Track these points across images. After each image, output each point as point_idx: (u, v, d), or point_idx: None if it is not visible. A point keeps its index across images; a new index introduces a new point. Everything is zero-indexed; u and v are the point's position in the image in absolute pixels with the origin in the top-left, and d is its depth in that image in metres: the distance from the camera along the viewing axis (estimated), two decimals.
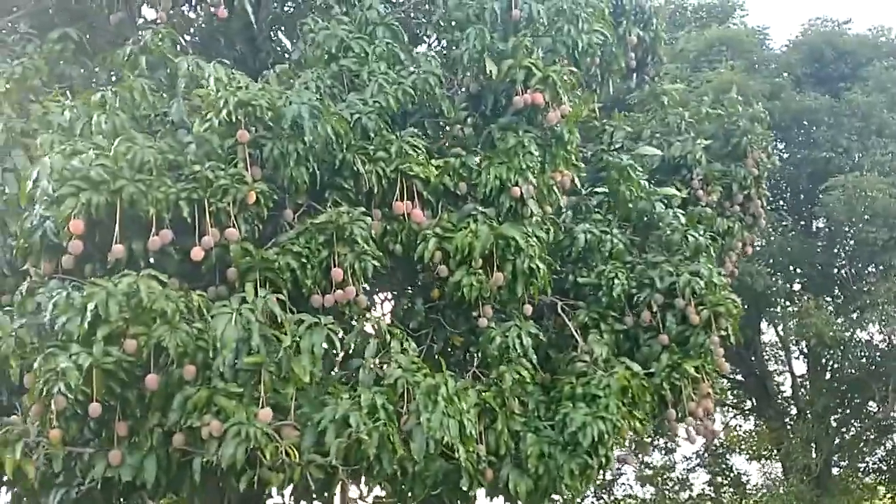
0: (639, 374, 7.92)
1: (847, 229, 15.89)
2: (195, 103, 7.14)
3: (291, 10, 9.67)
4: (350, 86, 7.79)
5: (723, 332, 8.57)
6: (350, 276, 6.78)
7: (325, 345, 6.14)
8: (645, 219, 9.05)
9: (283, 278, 6.64)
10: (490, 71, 7.79)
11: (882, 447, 18.30)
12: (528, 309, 7.88)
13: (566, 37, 8.24)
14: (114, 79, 9.00)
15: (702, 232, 8.93)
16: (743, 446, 20.96)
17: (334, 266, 6.80)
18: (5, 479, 6.37)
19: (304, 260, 6.70)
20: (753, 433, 20.30)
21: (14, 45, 9.11)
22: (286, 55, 9.94)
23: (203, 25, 9.93)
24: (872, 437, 17.70)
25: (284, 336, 5.98)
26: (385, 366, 6.48)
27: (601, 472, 8.24)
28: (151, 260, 6.56)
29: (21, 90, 8.22)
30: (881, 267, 15.26)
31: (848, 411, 18.00)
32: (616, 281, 8.36)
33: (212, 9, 8.45)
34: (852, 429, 17.97)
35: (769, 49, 20.19)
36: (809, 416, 17.52)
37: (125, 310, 5.82)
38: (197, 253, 6.39)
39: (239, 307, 5.99)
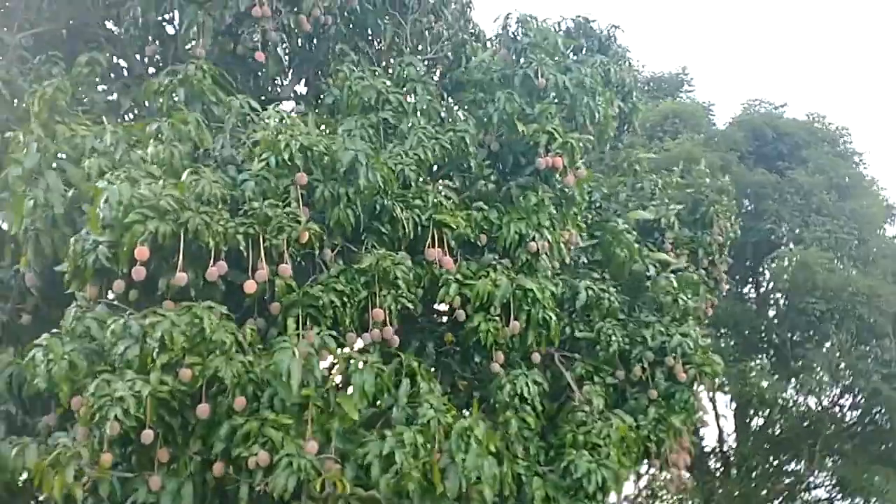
0: (633, 426, 8.37)
1: (787, 299, 16.91)
2: (239, 139, 7.38)
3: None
4: (386, 136, 8.14)
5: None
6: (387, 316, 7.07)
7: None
8: (636, 280, 9.61)
9: (325, 315, 6.86)
10: (522, 131, 8.26)
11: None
12: (537, 357, 8.27)
13: (584, 107, 8.81)
14: (138, 108, 9.16)
15: (689, 296, 9.53)
16: (669, 498, 21.68)
17: (373, 306, 7.07)
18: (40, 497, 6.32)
19: (344, 299, 6.94)
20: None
21: (40, 66, 9.13)
22: (292, 94, 10.27)
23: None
24: (798, 493, 18.64)
25: (335, 373, 6.19)
26: (418, 406, 6.72)
27: None
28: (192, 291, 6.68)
29: (48, 111, 8.26)
30: (816, 336, 16.29)
31: (773, 468, 18.91)
32: (613, 338, 8.85)
33: (251, 51, 8.71)
34: (778, 485, 18.87)
35: (713, 125, 21.52)
36: (738, 471, 18.36)
37: (187, 340, 5.94)
38: (250, 286, 6.57)
39: (298, 343, 6.17)
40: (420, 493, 6.19)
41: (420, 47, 11.04)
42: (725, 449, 19.65)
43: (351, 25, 10.40)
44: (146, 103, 9.18)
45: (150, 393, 5.83)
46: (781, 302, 17.80)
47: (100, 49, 10.08)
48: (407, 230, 7.54)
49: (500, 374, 7.92)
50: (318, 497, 5.98)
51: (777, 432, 18.36)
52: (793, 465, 19.25)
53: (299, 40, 9.47)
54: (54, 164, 7.52)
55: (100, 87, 9.62)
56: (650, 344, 9.04)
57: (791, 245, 16.79)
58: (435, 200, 7.70)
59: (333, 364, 6.36)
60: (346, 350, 6.59)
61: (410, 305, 7.26)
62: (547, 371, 9.04)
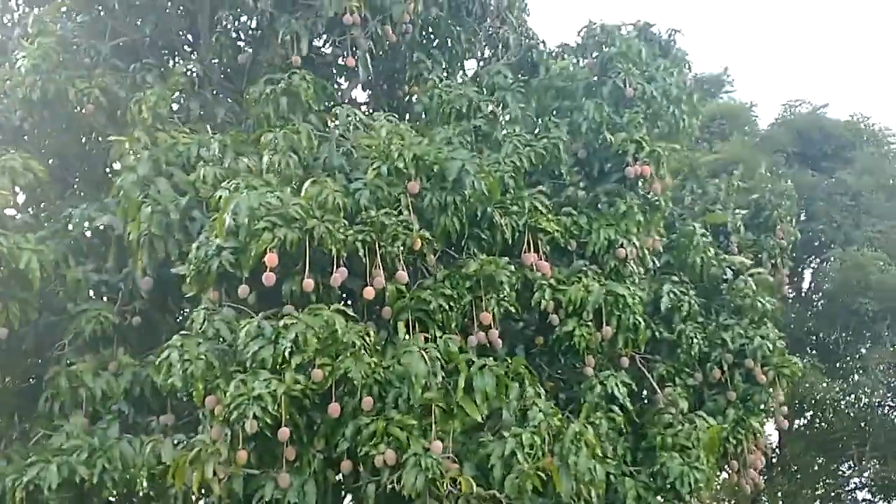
0: (719, 429, 8.63)
1: (833, 299, 17.09)
2: (346, 147, 7.68)
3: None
4: (477, 143, 8.41)
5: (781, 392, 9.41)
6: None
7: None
8: (714, 283, 9.84)
9: (434, 319, 7.14)
10: (610, 140, 8.52)
11: None
12: (625, 361, 8.53)
13: (669, 116, 9.06)
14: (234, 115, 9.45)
15: (766, 298, 9.76)
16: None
17: (477, 309, 7.36)
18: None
19: (451, 303, 7.23)
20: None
21: (135, 74, 9.45)
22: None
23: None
24: (842, 494, 18.83)
25: (459, 375, 6.47)
26: (528, 409, 6.99)
27: None
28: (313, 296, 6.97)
29: (151, 119, 8.58)
30: (869, 336, 16.48)
31: (819, 467, 19.10)
32: (694, 340, 9.10)
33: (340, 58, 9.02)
34: (822, 485, 19.08)
35: (756, 126, 21.67)
36: (783, 470, 18.55)
37: (319, 341, 6.24)
38: (369, 292, 6.87)
39: (425, 346, 6.47)
40: (536, 493, 6.47)
41: (490, 54, 11.32)
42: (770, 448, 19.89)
43: (425, 33, 10.69)
44: (235, 110, 9.56)
45: (284, 392, 6.15)
46: (821, 303, 18.00)
47: (180, 57, 10.45)
48: (506, 236, 7.81)
49: (591, 376, 8.19)
50: (442, 495, 6.27)
51: (823, 432, 18.56)
52: (838, 465, 19.49)
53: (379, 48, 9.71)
54: (162, 171, 7.88)
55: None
56: (730, 346, 9.31)
57: (840, 247, 16.96)
58: (530, 206, 7.97)
59: (456, 367, 6.63)
60: (466, 354, 6.84)
61: (512, 309, 7.53)
62: (627, 373, 9.34)
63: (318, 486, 6.55)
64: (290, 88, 8.25)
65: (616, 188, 8.79)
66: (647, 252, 8.88)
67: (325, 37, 9.80)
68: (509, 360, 7.33)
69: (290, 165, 7.24)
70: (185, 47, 10.45)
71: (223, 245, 6.81)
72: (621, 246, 8.44)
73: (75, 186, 9.79)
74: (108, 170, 9.61)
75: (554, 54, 10.88)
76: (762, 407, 9.40)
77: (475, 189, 7.31)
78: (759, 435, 9.38)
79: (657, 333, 9.33)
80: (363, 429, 6.41)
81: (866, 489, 19.28)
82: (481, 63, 11.14)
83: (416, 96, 9.12)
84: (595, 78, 9.19)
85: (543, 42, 11.26)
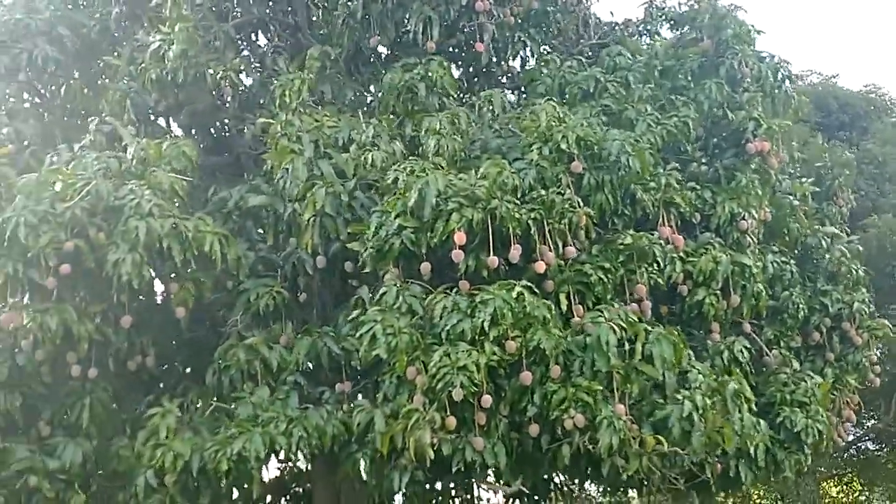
0: (829, 385, 8.98)
1: (878, 263, 17.50)
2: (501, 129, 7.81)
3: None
4: (607, 122, 8.55)
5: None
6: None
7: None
8: (808, 252, 10.13)
9: (593, 291, 7.35)
10: (731, 118, 8.72)
11: None
12: (747, 327, 8.81)
13: (782, 94, 9.26)
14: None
15: (859, 265, 10.07)
16: None
17: (629, 282, 7.58)
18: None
19: (609, 276, 7.43)
20: None
21: (265, 57, 9.45)
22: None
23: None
24: None
25: (637, 343, 6.71)
26: (688, 372, 7.26)
27: None
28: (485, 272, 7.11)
29: (297, 102, 8.61)
30: None
31: None
32: (799, 305, 9.41)
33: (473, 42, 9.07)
34: None
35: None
36: None
37: (513, 315, 6.44)
38: (540, 267, 7.04)
39: (611, 317, 6.68)
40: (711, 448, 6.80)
41: (573, 32, 11.37)
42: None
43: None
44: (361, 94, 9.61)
45: (486, 363, 6.36)
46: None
47: (300, 38, 10.37)
48: (647, 211, 8.01)
49: (718, 342, 8.48)
50: (629, 453, 6.55)
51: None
52: None
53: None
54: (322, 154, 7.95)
55: None
56: (830, 310, 9.65)
57: (870, 214, 17.34)
58: (666, 182, 8.16)
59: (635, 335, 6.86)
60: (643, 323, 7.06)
61: (661, 281, 7.76)
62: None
63: (506, 447, 6.81)
64: (428, 74, 8.34)
65: (733, 163, 9.01)
66: (761, 224, 9.14)
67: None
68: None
69: (455, 149, 7.37)
70: (296, 30, 10.42)
71: (404, 224, 6.96)
72: (743, 218, 8.69)
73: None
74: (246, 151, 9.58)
75: (632, 32, 11.01)
76: (856, 366, 9.77)
77: (630, 167, 7.49)
78: (854, 392, 9.79)
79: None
80: (552, 395, 6.65)
81: None
82: (567, 43, 11.19)
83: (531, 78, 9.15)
84: (703, 59, 9.33)
85: (625, 24, 11.35)
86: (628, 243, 7.48)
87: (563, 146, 7.25)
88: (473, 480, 7.14)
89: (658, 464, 6.76)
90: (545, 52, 10.09)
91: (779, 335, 9.47)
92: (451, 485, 7.76)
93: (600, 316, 6.74)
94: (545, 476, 7.25)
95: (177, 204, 7.47)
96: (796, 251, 10.15)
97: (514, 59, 10.37)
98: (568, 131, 7.27)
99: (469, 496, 8.25)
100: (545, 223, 7.09)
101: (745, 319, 8.81)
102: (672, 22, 10.99)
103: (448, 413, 6.42)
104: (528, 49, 10.04)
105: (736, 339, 8.56)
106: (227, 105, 9.32)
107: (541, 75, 9.04)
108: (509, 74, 10.07)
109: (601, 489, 15.10)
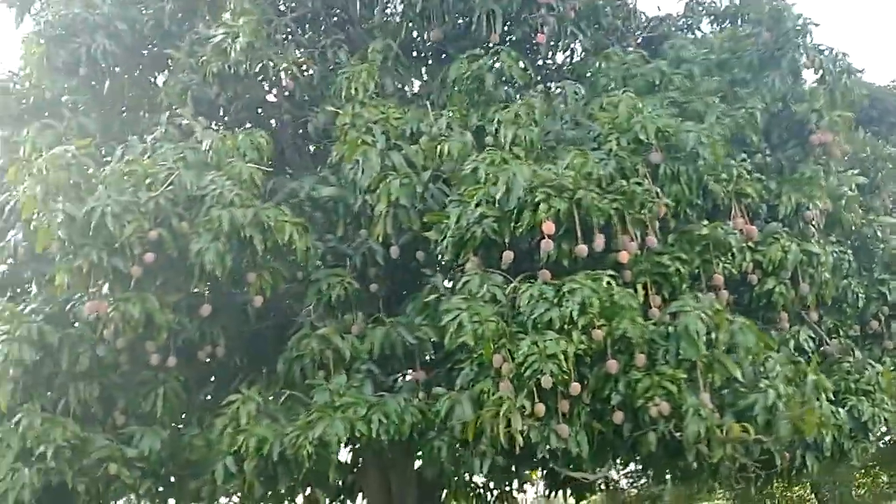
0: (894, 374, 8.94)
1: None
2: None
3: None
4: (675, 114, 8.50)
5: None
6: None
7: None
8: (864, 241, 10.07)
9: (669, 281, 7.33)
10: (794, 110, 8.68)
11: None
12: (814, 316, 8.77)
13: (842, 86, 9.21)
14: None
15: None
16: None
17: (703, 272, 7.55)
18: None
19: (685, 266, 7.41)
20: None
21: (326, 51, 9.43)
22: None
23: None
24: None
25: (721, 332, 6.69)
26: (766, 361, 7.24)
27: None
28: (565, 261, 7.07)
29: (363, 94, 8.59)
30: None
31: None
32: (859, 294, 9.38)
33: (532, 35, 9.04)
34: None
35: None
36: None
37: (600, 304, 6.43)
38: (623, 256, 7.02)
39: (698, 306, 6.66)
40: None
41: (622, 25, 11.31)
42: None
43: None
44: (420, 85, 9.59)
45: (574, 351, 6.34)
46: None
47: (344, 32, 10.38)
48: (718, 202, 7.98)
49: (786, 331, 8.45)
50: (714, 441, 6.53)
51: None
52: None
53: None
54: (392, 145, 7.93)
55: None
56: (888, 299, 9.61)
57: None
58: (736, 174, 8.13)
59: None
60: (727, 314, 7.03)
61: (735, 271, 7.73)
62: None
63: (588, 435, 6.80)
64: (495, 65, 8.31)
65: (796, 154, 8.98)
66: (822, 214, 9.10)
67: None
68: None
69: (533, 139, 7.34)
70: (348, 24, 10.39)
71: (486, 213, 6.94)
72: (807, 209, 8.65)
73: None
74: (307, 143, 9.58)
75: (681, 25, 10.97)
76: None
77: (705, 159, 7.45)
78: None
79: None
80: (636, 383, 6.63)
81: None
82: (610, 37, 11.14)
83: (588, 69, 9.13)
84: (762, 51, 9.27)
85: (665, 16, 11.31)
86: (705, 234, 7.45)
87: (642, 137, 7.22)
88: (553, 467, 7.10)
89: (741, 452, 6.74)
90: (599, 46, 10.05)
91: (838, 324, 9.43)
92: (527, 471, 7.74)
93: (686, 305, 6.71)
94: (623, 464, 7.22)
95: (254, 194, 7.45)
96: (852, 241, 10.13)
97: (565, 52, 10.37)
98: (647, 122, 7.23)
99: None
100: (626, 213, 7.06)
101: (810, 309, 8.79)
102: (713, 17, 11.01)
103: (536, 400, 6.41)
104: (578, 42, 10.03)
105: (801, 328, 8.56)
106: (290, 98, 9.33)
107: (599, 68, 9.00)
108: (570, 66, 10.00)
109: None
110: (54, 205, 6.91)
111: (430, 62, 9.80)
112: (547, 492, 9.90)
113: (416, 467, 9.07)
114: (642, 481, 18.89)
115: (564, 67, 10.32)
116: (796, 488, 18.73)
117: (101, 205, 6.81)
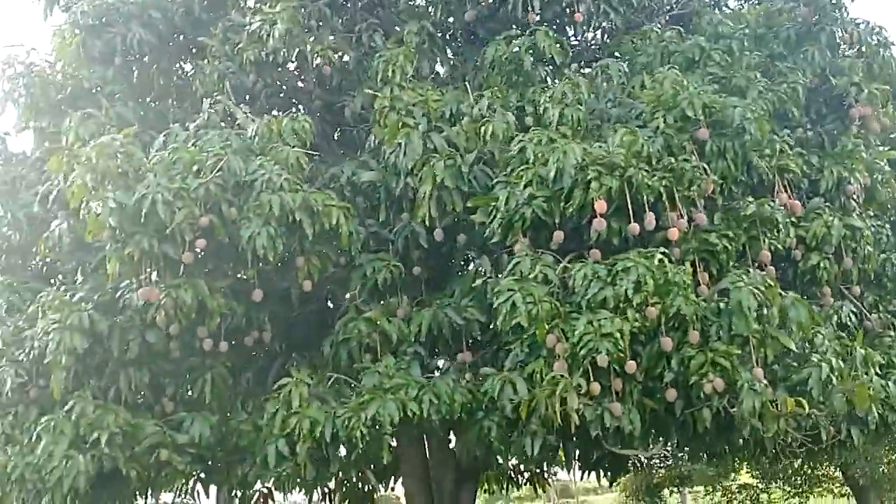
0: None
1: None
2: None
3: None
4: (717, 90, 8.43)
5: None
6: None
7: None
8: None
9: (717, 259, 7.30)
10: (834, 83, 8.61)
11: None
12: (857, 290, 8.73)
13: (881, 59, 9.12)
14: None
15: None
16: None
17: (750, 248, 7.52)
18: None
19: (732, 243, 7.38)
20: None
21: (360, 34, 9.38)
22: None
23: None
24: None
25: (773, 308, 6.67)
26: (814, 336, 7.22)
27: None
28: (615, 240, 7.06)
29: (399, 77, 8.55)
30: None
31: None
32: None
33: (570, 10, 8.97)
34: None
35: None
36: None
37: (654, 282, 6.41)
38: (673, 234, 6.98)
39: (750, 281, 6.64)
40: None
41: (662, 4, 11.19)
42: None
43: None
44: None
45: (629, 329, 6.34)
46: None
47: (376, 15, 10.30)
48: (763, 177, 7.93)
49: (829, 306, 8.42)
50: (767, 416, 6.53)
51: None
52: None
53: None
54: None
55: None
56: None
57: None
58: (779, 149, 8.07)
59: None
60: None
61: (779, 247, 7.69)
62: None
63: (640, 413, 6.80)
64: (534, 45, 8.26)
65: (835, 128, 8.91)
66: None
67: None
68: None
69: (580, 118, 7.31)
70: (379, 6, 10.33)
71: (535, 194, 6.92)
72: (849, 183, 8.60)
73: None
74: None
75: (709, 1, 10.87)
76: None
77: (752, 134, 7.40)
78: None
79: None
80: (689, 360, 6.62)
81: None
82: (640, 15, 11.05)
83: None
84: (800, 26, 9.19)
85: None
86: (752, 211, 7.41)
87: (690, 113, 7.16)
88: (604, 445, 7.11)
89: (793, 426, 6.74)
90: (630, 24, 9.97)
91: (878, 299, 9.39)
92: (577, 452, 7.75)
93: (738, 281, 6.68)
94: (673, 442, 7.22)
95: (300, 178, 7.45)
96: (888, 216, 10.07)
97: (596, 30, 10.30)
98: (693, 98, 7.18)
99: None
100: (675, 190, 7.03)
101: (852, 283, 8.75)
102: None
103: (591, 379, 6.42)
104: (610, 20, 9.94)
105: (843, 303, 8.54)
106: (322, 83, 9.30)
107: (636, 46, 8.93)
108: (602, 45, 9.93)
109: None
110: (104, 193, 6.93)
111: (460, 44, 9.72)
112: (581, 473, 9.93)
113: (452, 448, 9.16)
114: (668, 462, 18.95)
115: (596, 46, 10.27)
116: (825, 466, 18.77)
117: (152, 192, 6.82)
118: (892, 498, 19.48)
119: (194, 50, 9.94)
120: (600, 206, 6.62)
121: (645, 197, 6.84)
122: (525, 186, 6.93)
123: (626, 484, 21.26)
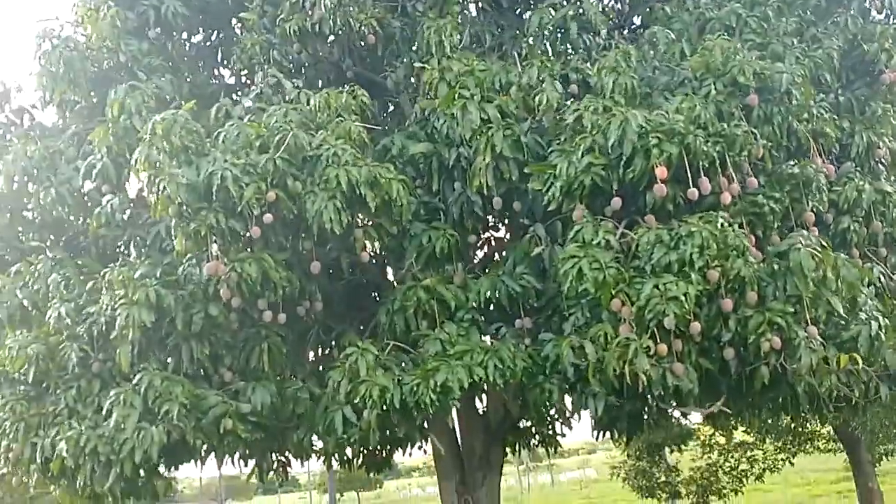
0: None
1: None
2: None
3: None
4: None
5: None
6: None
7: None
8: None
9: (765, 221, 7.52)
10: (866, 50, 8.80)
11: None
12: (883, 252, 9.00)
13: None
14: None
15: None
16: None
17: (793, 210, 7.74)
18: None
19: (777, 205, 7.59)
20: None
21: (405, 3, 9.35)
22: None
23: None
24: None
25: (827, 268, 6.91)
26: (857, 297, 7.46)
27: None
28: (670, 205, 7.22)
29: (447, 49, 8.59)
30: None
31: None
32: None
33: None
34: None
35: None
36: None
37: (717, 246, 6.62)
38: (726, 198, 7.15)
39: (807, 243, 6.86)
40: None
41: None
42: None
43: None
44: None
45: (695, 292, 6.55)
46: None
47: None
48: (802, 142, 8.13)
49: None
50: (822, 372, 6.81)
51: None
52: None
53: None
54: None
55: None
56: None
57: None
58: (816, 113, 8.26)
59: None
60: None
61: (821, 208, 7.93)
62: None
63: (697, 371, 7.05)
64: (580, 13, 8.35)
65: (865, 93, 9.12)
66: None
67: None
68: None
69: (634, 86, 7.43)
70: None
71: (594, 161, 7.06)
72: (879, 147, 8.84)
73: None
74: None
75: None
76: None
77: (798, 100, 7.58)
78: None
79: None
80: (747, 320, 6.87)
81: None
82: None
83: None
84: None
85: None
86: (796, 173, 7.62)
87: (741, 79, 7.30)
88: (661, 404, 7.37)
89: (845, 381, 7.04)
90: None
91: None
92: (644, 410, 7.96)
93: (797, 243, 6.91)
94: (730, 400, 7.49)
95: (361, 152, 7.52)
96: None
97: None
98: (744, 65, 7.33)
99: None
100: (727, 156, 7.21)
101: (879, 246, 9.03)
102: None
103: (661, 341, 6.65)
104: None
105: (872, 265, 8.81)
106: (368, 54, 9.29)
107: (673, 14, 9.01)
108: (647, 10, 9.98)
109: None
110: (170, 170, 6.96)
111: (500, 12, 9.74)
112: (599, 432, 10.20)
113: (478, 411, 9.40)
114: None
115: (634, 15, 10.34)
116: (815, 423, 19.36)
117: (220, 168, 6.86)
118: (882, 449, 20.22)
119: (232, 22, 9.85)
120: (661, 172, 6.78)
121: (700, 163, 7.01)
122: (583, 154, 7.06)
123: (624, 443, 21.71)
